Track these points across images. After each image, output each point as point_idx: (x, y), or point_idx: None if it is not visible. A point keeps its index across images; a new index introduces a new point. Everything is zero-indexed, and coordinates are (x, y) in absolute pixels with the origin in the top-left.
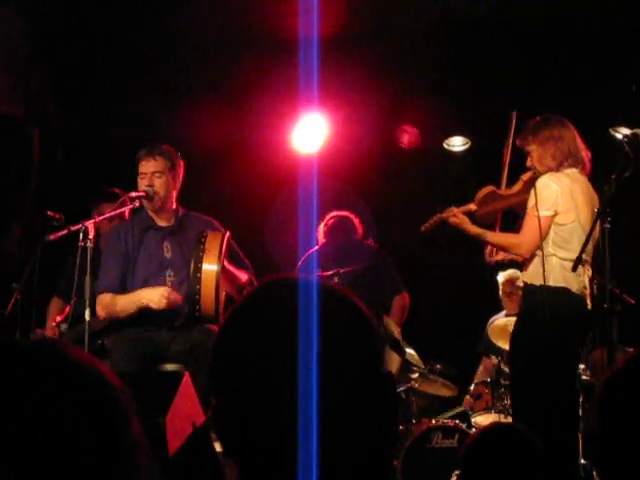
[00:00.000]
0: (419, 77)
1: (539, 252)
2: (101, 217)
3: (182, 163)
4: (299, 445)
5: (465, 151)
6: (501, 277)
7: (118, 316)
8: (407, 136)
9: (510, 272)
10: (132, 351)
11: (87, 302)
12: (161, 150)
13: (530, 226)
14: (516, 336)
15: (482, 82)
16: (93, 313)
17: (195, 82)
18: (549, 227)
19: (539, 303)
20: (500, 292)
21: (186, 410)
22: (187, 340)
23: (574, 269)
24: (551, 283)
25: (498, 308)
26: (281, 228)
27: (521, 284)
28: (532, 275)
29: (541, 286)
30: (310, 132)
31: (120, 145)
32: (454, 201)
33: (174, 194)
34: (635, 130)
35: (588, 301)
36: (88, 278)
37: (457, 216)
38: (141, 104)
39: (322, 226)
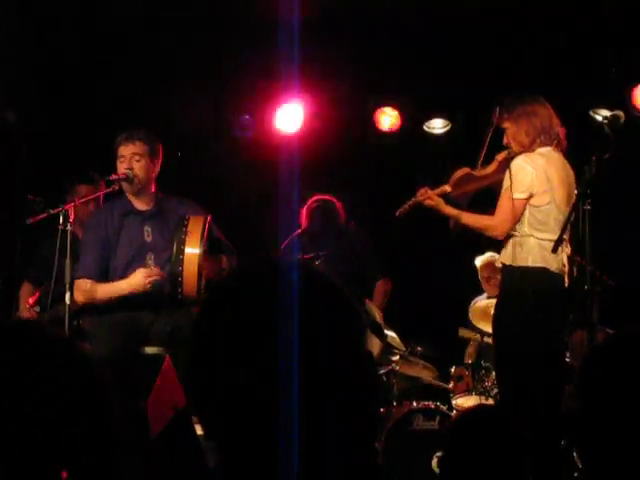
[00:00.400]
0: (398, 58)
1: (516, 233)
2: (81, 200)
3: (161, 147)
4: (280, 427)
5: (445, 133)
6: (478, 261)
7: (97, 303)
8: (387, 118)
9: (487, 256)
10: (113, 333)
11: (67, 286)
12: (140, 134)
13: (504, 208)
14: (497, 318)
15: (463, 63)
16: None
17: (176, 64)
18: (524, 209)
19: (518, 283)
20: (479, 276)
21: (167, 393)
22: (168, 322)
23: (554, 250)
24: (530, 264)
25: (480, 290)
26: (263, 211)
27: (499, 266)
28: (510, 256)
29: (520, 267)
30: (290, 114)
31: (98, 128)
32: (431, 184)
33: (153, 177)
34: (615, 112)
35: (566, 279)
36: (68, 262)
37: (432, 198)
38: (122, 86)
39: (305, 210)
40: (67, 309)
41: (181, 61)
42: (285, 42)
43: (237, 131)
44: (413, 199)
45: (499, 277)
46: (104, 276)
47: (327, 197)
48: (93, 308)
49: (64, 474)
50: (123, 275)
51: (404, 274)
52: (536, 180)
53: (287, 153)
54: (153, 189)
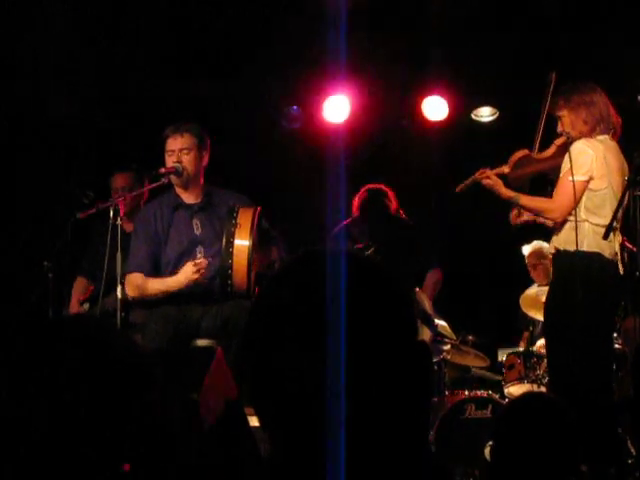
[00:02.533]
0: (444, 45)
1: (571, 218)
2: (132, 194)
3: (209, 139)
4: (330, 417)
5: (493, 121)
6: (526, 250)
7: (148, 297)
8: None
9: (534, 244)
10: (164, 327)
11: (118, 279)
12: (188, 126)
13: (564, 191)
14: (550, 303)
15: (512, 49)
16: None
17: (224, 55)
18: (583, 193)
19: (572, 268)
20: (527, 264)
21: (219, 385)
22: (219, 315)
23: (605, 237)
24: (584, 248)
25: (530, 280)
26: (312, 201)
27: (547, 254)
28: (564, 241)
29: (575, 252)
30: (338, 105)
31: (147, 122)
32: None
33: (202, 170)
34: None
35: (620, 266)
36: (119, 255)
37: (490, 177)
38: (158, 80)
39: (356, 199)
40: (119, 303)
41: (229, 52)
42: (332, 32)
43: (285, 122)
44: (472, 177)
45: (546, 264)
46: (155, 270)
47: (378, 186)
48: (144, 302)
49: (126, 467)
50: (174, 269)
51: (456, 263)
52: (595, 163)
53: (335, 143)
54: (202, 182)
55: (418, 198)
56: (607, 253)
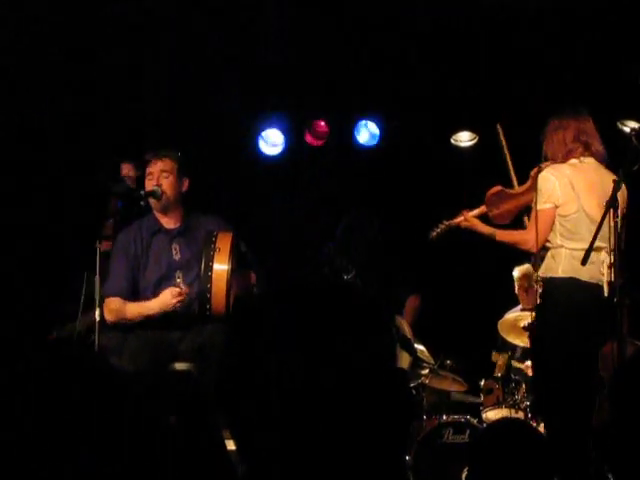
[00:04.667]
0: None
1: (549, 244)
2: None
3: (189, 166)
4: (307, 441)
5: (472, 146)
6: (517, 272)
7: (126, 321)
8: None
9: (525, 267)
10: (142, 349)
11: (97, 302)
12: (168, 152)
13: (534, 221)
14: (533, 329)
15: (487, 76)
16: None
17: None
18: (552, 220)
19: (550, 294)
20: (516, 287)
21: None
22: (196, 339)
23: (584, 261)
24: (559, 274)
25: (511, 303)
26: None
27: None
28: (545, 268)
29: (551, 278)
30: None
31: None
32: (462, 205)
33: (180, 195)
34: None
35: (605, 287)
36: (98, 279)
37: (468, 220)
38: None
39: (342, 223)
40: (96, 325)
41: (258, 72)
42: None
43: (312, 139)
44: (448, 222)
45: (535, 288)
46: (133, 295)
47: (362, 211)
48: (121, 325)
49: None
50: (153, 294)
51: (435, 288)
52: (559, 189)
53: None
54: (181, 207)
55: (398, 223)
56: (585, 277)
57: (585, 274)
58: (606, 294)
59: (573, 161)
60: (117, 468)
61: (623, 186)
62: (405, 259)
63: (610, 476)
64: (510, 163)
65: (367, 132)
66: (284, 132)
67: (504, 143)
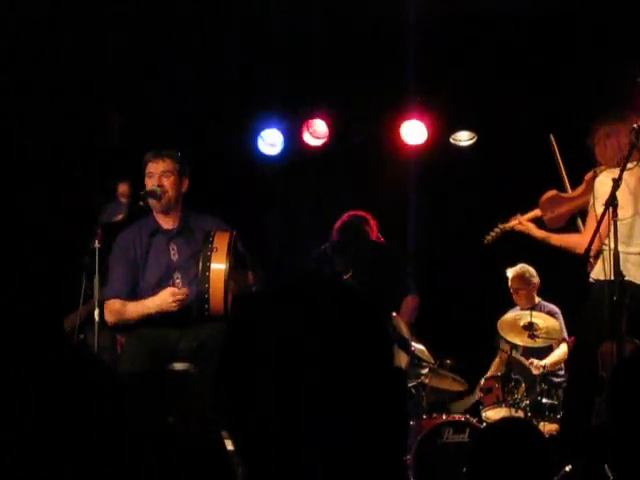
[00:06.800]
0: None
1: (604, 247)
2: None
3: (188, 167)
4: (305, 442)
5: (472, 145)
6: (510, 272)
7: (125, 322)
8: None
9: (519, 267)
10: (141, 349)
11: (97, 302)
12: (169, 152)
13: (590, 224)
14: (579, 328)
15: (489, 74)
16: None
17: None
18: (608, 223)
19: (601, 297)
20: (510, 287)
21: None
22: (195, 338)
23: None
24: (612, 277)
25: (511, 304)
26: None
27: (529, 279)
28: (597, 271)
29: (605, 281)
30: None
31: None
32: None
33: (181, 196)
34: None
35: None
36: (97, 279)
37: (522, 224)
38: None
39: (336, 224)
40: (96, 326)
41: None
42: None
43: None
44: (503, 225)
45: (529, 289)
46: (133, 296)
47: (360, 213)
48: (122, 326)
49: None
50: (152, 295)
51: (435, 287)
52: (618, 193)
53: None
54: (180, 207)
55: (396, 223)
56: (632, 277)
57: (630, 275)
58: None
59: (630, 165)
60: (115, 469)
61: None
62: (404, 259)
63: (611, 476)
64: (563, 169)
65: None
66: (283, 132)
67: (557, 152)
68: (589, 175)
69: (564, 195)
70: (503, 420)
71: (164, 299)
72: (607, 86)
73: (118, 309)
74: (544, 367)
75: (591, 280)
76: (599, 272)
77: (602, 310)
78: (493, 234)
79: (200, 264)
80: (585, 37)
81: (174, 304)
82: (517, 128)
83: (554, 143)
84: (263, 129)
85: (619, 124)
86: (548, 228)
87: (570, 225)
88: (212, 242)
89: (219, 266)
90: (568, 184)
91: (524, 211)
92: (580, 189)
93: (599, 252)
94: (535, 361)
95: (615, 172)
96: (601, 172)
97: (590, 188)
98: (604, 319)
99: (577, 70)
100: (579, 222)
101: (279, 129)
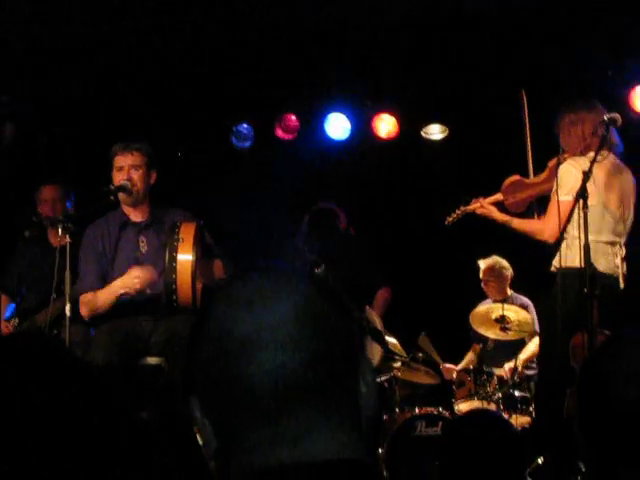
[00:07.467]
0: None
1: (565, 235)
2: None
3: (156, 159)
4: (276, 427)
5: (444, 139)
6: (482, 264)
7: (99, 311)
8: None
9: (490, 259)
10: (112, 342)
11: (67, 297)
12: (138, 145)
13: (552, 211)
14: (543, 315)
15: (459, 68)
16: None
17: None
18: (571, 211)
19: (565, 285)
20: (481, 279)
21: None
22: (165, 330)
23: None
24: (576, 264)
25: (483, 295)
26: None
27: (501, 270)
28: (559, 259)
29: (568, 268)
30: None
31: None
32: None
33: (149, 188)
34: (612, 114)
35: (621, 280)
36: (68, 274)
37: (484, 206)
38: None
39: (307, 217)
40: (67, 321)
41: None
42: None
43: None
44: (464, 207)
45: (500, 281)
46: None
47: (328, 204)
48: (96, 317)
49: None
50: None
51: (407, 279)
52: (580, 182)
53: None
54: (148, 200)
55: (368, 215)
56: (602, 267)
57: (601, 265)
58: (622, 286)
59: (592, 155)
60: (86, 463)
61: (631, 177)
62: (375, 251)
63: (581, 466)
64: (528, 127)
65: (338, 125)
66: (254, 126)
67: (526, 112)
68: (552, 162)
69: (527, 181)
70: (471, 412)
71: (128, 275)
72: (575, 75)
73: (90, 299)
74: (515, 368)
75: (553, 269)
76: (564, 260)
77: (570, 300)
78: (454, 216)
79: (167, 255)
80: (555, 27)
81: (137, 280)
82: (489, 120)
83: (524, 99)
84: (234, 123)
85: (584, 113)
86: (508, 212)
87: (527, 210)
88: (178, 233)
89: (186, 257)
90: (530, 145)
91: (487, 196)
92: (543, 175)
93: (560, 240)
94: (505, 368)
95: (579, 160)
96: (564, 160)
97: (553, 175)
98: (573, 310)
99: (547, 61)
100: (534, 208)
101: (250, 123)
